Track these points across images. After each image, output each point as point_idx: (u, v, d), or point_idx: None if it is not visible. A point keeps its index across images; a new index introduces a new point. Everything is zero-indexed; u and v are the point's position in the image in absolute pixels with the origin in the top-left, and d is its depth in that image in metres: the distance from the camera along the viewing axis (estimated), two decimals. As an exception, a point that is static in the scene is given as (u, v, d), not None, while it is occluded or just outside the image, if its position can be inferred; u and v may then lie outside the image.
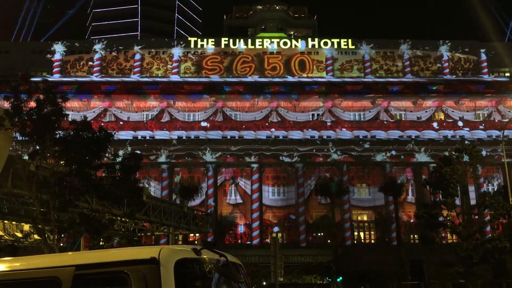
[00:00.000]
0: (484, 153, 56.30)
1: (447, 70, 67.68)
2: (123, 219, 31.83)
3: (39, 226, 22.32)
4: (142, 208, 30.35)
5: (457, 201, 40.81)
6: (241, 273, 6.03)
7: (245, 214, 60.97)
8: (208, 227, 45.30)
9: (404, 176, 62.20)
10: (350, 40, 68.22)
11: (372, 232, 61.75)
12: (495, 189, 59.36)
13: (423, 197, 56.69)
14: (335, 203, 57.10)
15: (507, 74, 68.56)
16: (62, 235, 24.18)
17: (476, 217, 44.59)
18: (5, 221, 28.91)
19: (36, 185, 21.79)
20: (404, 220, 60.01)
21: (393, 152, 61.14)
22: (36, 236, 25.23)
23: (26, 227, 28.69)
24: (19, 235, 30.01)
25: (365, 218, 62.31)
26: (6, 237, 30.60)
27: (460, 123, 63.71)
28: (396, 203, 56.99)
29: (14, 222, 29.47)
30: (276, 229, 60.48)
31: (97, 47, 67.59)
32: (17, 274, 5.28)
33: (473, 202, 50.50)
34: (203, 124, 62.90)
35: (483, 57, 68.58)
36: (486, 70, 67.70)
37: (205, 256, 5.30)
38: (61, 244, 25.24)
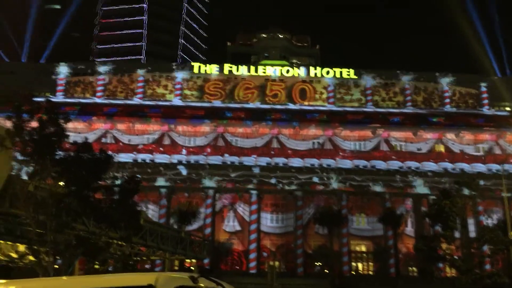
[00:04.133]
0: (483, 186, 56.18)
1: (448, 105, 67.93)
2: (120, 243, 31.52)
3: (35, 247, 22.11)
4: (139, 232, 30.13)
5: (457, 234, 40.58)
6: (237, 303, 5.96)
7: (242, 241, 60.37)
8: (205, 253, 44.81)
9: (404, 208, 61.82)
10: (352, 70, 68.74)
11: (371, 263, 61.02)
12: (495, 222, 58.92)
13: (423, 229, 56.24)
14: (334, 233, 56.61)
15: (507, 109, 68.82)
16: (57, 257, 23.92)
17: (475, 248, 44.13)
18: (1, 241, 28.62)
19: (33, 205, 21.66)
20: (403, 252, 59.39)
21: (393, 183, 60.91)
22: (31, 258, 24.96)
23: (22, 247, 28.39)
24: (14, 255, 29.66)
25: (363, 248, 61.64)
26: (1, 257, 30.25)
27: (460, 156, 63.69)
28: (395, 234, 56.50)
29: (9, 242, 29.17)
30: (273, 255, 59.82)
31: (101, 69, 68.15)
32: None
33: (472, 235, 50.08)
34: (204, 148, 62.95)
35: (483, 90, 69.07)
36: (487, 105, 68.03)
37: (202, 285, 5.27)
38: (56, 266, 24.94)
